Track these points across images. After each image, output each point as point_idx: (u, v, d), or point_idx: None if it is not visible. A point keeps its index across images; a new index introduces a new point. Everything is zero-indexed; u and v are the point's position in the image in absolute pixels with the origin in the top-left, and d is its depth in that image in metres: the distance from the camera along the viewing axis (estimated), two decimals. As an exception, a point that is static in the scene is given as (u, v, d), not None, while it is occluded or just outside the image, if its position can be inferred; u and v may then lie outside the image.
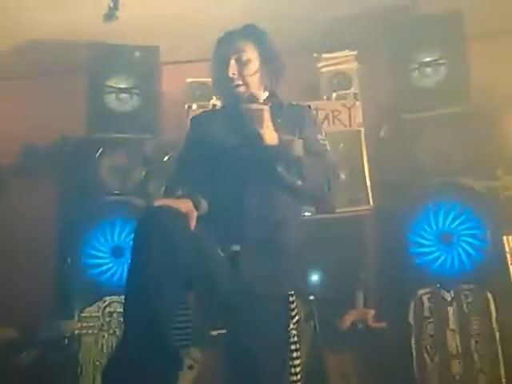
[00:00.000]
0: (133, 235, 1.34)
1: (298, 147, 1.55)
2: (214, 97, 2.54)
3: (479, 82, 2.53)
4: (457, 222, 2.40)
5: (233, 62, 1.66)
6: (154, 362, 1.25)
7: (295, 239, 1.62)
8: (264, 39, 1.72)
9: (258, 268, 1.50)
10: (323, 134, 1.74)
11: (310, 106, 1.83)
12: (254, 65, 1.68)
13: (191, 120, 1.83)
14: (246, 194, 1.57)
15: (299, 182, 1.55)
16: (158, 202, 1.39)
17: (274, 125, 1.57)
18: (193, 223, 1.39)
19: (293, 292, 1.58)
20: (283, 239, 1.58)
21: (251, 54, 1.68)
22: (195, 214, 1.42)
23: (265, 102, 1.68)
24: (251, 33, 1.72)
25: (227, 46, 1.70)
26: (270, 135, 1.54)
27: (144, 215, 1.36)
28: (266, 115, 1.54)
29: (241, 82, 1.66)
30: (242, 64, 1.66)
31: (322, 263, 2.43)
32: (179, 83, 2.73)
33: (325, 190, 1.60)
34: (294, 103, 1.80)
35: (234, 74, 1.65)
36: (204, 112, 1.93)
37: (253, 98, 1.65)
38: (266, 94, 1.73)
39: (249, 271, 1.48)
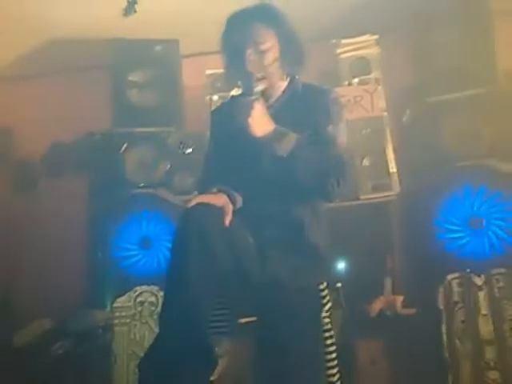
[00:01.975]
0: (172, 237, 1.37)
1: (288, 141, 1.47)
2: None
3: (504, 61, 2.47)
4: (485, 206, 2.35)
5: (249, 52, 1.53)
6: (189, 358, 1.28)
7: (319, 233, 1.58)
8: (281, 20, 1.58)
9: (286, 262, 1.49)
10: (339, 124, 1.59)
11: (329, 90, 1.64)
12: (273, 53, 1.56)
13: (211, 114, 1.78)
14: (262, 192, 1.52)
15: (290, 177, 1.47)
16: (194, 200, 1.40)
17: (276, 117, 1.50)
18: (228, 217, 1.40)
19: (323, 281, 1.57)
20: (306, 236, 1.54)
21: (269, 41, 1.55)
22: (230, 207, 1.42)
23: (281, 97, 1.61)
24: (267, 14, 1.57)
25: (241, 33, 1.55)
26: (260, 126, 1.47)
27: (180, 217, 1.38)
28: (257, 106, 1.47)
29: (260, 76, 1.54)
30: (260, 54, 1.54)
31: (349, 251, 2.42)
32: (200, 75, 2.74)
33: (329, 186, 1.48)
34: (313, 85, 1.66)
35: (252, 66, 1.53)
36: (222, 104, 1.85)
37: (270, 89, 1.57)
38: (286, 82, 1.63)
39: (277, 264, 1.48)
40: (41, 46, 2.91)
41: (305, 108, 1.59)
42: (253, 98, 1.50)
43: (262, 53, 1.54)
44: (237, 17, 1.59)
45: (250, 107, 1.48)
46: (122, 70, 2.69)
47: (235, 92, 2.55)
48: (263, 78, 1.55)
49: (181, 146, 2.52)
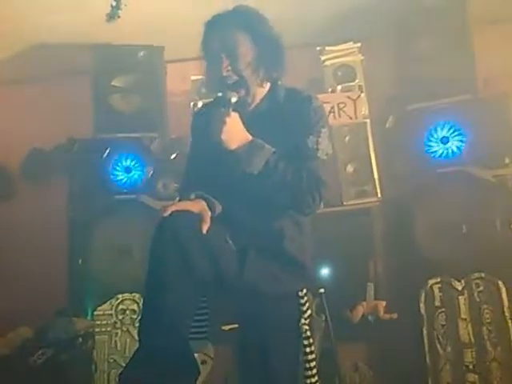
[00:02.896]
0: (150, 246, 1.37)
1: (261, 157, 1.45)
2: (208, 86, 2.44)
3: (485, 69, 2.52)
4: (466, 212, 2.38)
5: (223, 56, 1.52)
6: (171, 367, 1.28)
7: (299, 241, 1.58)
8: (258, 24, 1.57)
9: (266, 269, 1.50)
10: (320, 133, 1.56)
11: (311, 98, 1.60)
12: (248, 57, 1.54)
13: (193, 117, 1.77)
14: (239, 202, 1.52)
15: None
16: (170, 208, 1.38)
17: (254, 125, 1.49)
18: (206, 224, 1.39)
19: (303, 289, 1.58)
20: (285, 245, 1.54)
21: (244, 45, 1.54)
22: (209, 214, 1.41)
23: (261, 103, 1.59)
24: (244, 18, 1.56)
25: (217, 38, 1.54)
26: (234, 138, 1.46)
27: (157, 226, 1.37)
28: (231, 119, 1.46)
29: (236, 77, 1.53)
30: (234, 58, 1.53)
31: (332, 256, 2.44)
32: (184, 81, 2.74)
33: (304, 202, 1.47)
34: (296, 91, 1.63)
35: (227, 70, 1.52)
36: (204, 106, 1.83)
37: (248, 95, 1.55)
38: (267, 86, 1.61)
39: (257, 271, 1.48)
40: (22, 51, 2.88)
41: (285, 117, 1.57)
42: (225, 109, 1.47)
43: (237, 57, 1.53)
44: (214, 22, 1.60)
45: (223, 121, 1.45)
46: (105, 76, 2.68)
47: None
48: (239, 84, 1.54)
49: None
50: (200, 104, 2.61)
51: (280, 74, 1.62)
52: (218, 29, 1.57)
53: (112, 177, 2.53)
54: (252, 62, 1.55)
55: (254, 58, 1.55)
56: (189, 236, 1.34)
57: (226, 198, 1.51)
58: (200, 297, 1.44)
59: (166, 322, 1.29)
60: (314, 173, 1.50)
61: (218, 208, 1.49)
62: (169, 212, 1.36)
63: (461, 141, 2.45)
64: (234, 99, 1.52)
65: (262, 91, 1.62)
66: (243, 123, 1.51)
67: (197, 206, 1.42)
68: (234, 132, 1.47)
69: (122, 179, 2.55)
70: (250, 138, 1.49)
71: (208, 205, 1.44)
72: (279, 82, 1.65)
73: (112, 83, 2.68)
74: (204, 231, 1.38)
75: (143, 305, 1.38)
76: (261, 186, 1.47)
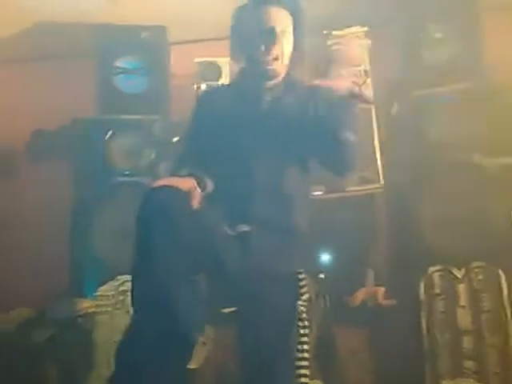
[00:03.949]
0: (136, 220, 1.34)
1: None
2: (223, 75, 2.47)
3: (492, 56, 2.48)
4: (468, 200, 2.38)
5: (278, 31, 1.52)
6: (164, 345, 1.27)
7: (304, 217, 1.60)
8: (301, 8, 1.59)
9: (267, 246, 1.49)
10: (348, 129, 1.55)
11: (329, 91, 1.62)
12: (290, 40, 1.57)
13: (199, 97, 1.79)
14: (253, 170, 1.54)
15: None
16: (158, 183, 1.37)
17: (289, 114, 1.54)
18: (195, 201, 1.37)
19: (302, 270, 1.59)
20: (292, 217, 1.56)
21: (288, 26, 1.55)
22: (198, 191, 1.40)
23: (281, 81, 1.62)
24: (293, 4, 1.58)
25: (263, 11, 1.54)
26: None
27: (143, 199, 1.34)
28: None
29: (278, 58, 1.54)
30: (284, 38, 1.54)
31: (333, 242, 2.44)
32: (187, 63, 2.71)
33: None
34: (309, 84, 1.66)
35: (276, 47, 1.52)
36: (213, 88, 1.86)
37: (276, 76, 1.58)
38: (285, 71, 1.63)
39: (257, 250, 1.48)
40: (25, 31, 2.86)
41: (304, 99, 1.58)
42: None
43: (285, 37, 1.55)
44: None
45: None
46: (108, 56, 2.65)
47: (224, 80, 2.54)
48: (277, 60, 1.55)
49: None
50: (203, 86, 2.60)
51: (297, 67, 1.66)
52: (261, 3, 1.56)
53: (114, 159, 2.52)
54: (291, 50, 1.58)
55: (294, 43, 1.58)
56: (177, 210, 1.31)
57: (236, 162, 1.53)
58: (194, 270, 1.41)
59: (155, 297, 1.26)
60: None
61: (210, 186, 1.47)
62: (156, 185, 1.34)
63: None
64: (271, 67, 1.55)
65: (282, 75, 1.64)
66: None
67: (186, 183, 1.40)
68: None
69: (123, 161, 2.55)
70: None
71: (197, 181, 1.42)
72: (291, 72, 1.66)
73: (115, 64, 2.65)
74: (194, 207, 1.36)
75: (133, 278, 1.34)
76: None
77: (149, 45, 2.68)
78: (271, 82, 1.61)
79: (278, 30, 1.54)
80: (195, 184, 1.41)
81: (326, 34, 2.69)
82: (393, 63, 2.63)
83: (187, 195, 1.37)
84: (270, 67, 1.55)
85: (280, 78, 1.62)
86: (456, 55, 2.48)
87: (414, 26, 2.57)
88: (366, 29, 2.65)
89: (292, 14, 1.57)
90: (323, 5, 2.72)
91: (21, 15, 2.73)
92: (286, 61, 1.59)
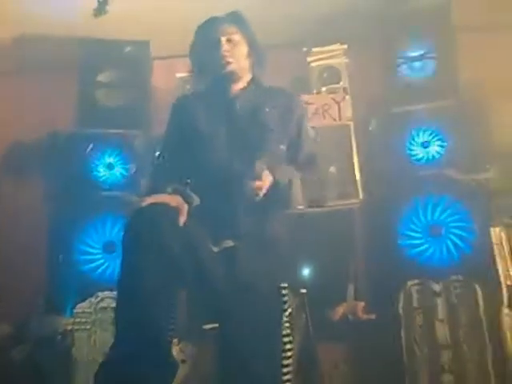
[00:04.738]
0: (122, 236, 1.35)
1: (296, 185, 1.58)
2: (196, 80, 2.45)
3: (468, 74, 2.55)
4: (445, 215, 2.43)
5: (224, 40, 1.67)
6: (148, 365, 1.27)
7: (285, 232, 1.63)
8: (248, 26, 1.74)
9: (249, 263, 1.50)
10: (310, 128, 1.79)
11: (292, 94, 1.81)
12: (244, 49, 1.70)
13: (172, 107, 1.78)
14: (232, 192, 1.55)
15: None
16: (147, 200, 1.38)
17: (262, 116, 1.61)
18: (183, 217, 1.39)
19: (285, 285, 1.59)
20: (272, 236, 1.57)
21: (240, 37, 1.70)
22: (185, 207, 1.41)
23: (248, 86, 1.71)
24: (237, 19, 1.73)
25: (216, 27, 1.69)
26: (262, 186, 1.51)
27: (132, 215, 1.36)
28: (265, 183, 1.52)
29: (232, 60, 1.66)
30: (233, 44, 1.68)
31: (313, 257, 2.45)
32: (170, 78, 2.73)
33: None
34: (277, 88, 1.78)
35: (226, 51, 1.65)
36: (184, 96, 1.85)
37: (238, 79, 1.68)
38: (250, 76, 1.74)
39: (239, 266, 1.48)
40: (5, 43, 2.84)
41: (277, 107, 1.68)
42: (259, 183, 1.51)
43: (235, 44, 1.68)
44: (212, 19, 1.73)
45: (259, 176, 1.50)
46: (91, 70, 2.66)
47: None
48: (235, 63, 1.67)
49: None
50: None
51: (262, 66, 1.75)
52: (214, 22, 1.71)
53: (94, 173, 2.51)
54: (248, 56, 1.71)
55: (248, 52, 1.71)
56: (166, 227, 1.32)
57: (211, 188, 1.54)
58: (177, 291, 1.43)
59: (140, 317, 1.27)
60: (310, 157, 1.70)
61: (196, 201, 1.49)
62: (146, 203, 1.36)
63: (441, 146, 2.49)
64: (230, 68, 1.67)
65: (246, 79, 1.74)
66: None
67: (174, 199, 1.42)
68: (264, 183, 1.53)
69: (104, 176, 2.54)
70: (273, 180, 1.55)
71: (184, 198, 1.45)
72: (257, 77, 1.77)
73: (97, 78, 2.65)
74: (181, 223, 1.37)
75: (117, 297, 1.36)
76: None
77: (131, 59, 2.70)
78: (237, 87, 1.70)
79: (223, 39, 1.67)
80: (182, 201, 1.43)
81: (305, 51, 2.75)
82: (371, 80, 2.69)
83: (175, 211, 1.38)
84: (226, 70, 1.66)
85: (244, 83, 1.71)
86: (433, 73, 2.55)
87: (391, 44, 2.64)
88: (345, 46, 2.71)
89: (241, 29, 1.71)
90: (303, 22, 2.78)
91: (2, 27, 2.71)
92: (242, 63, 1.70)
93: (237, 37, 1.69)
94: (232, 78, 1.68)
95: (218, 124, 1.63)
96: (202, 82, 1.80)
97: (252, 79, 1.74)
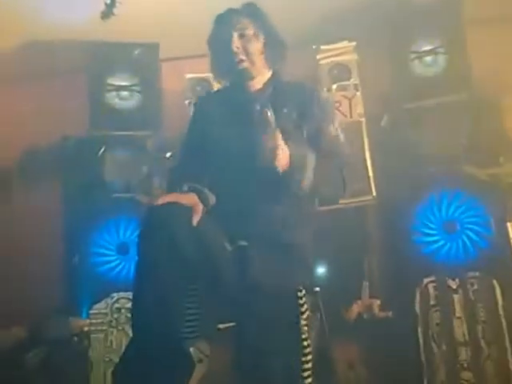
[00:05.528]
0: (137, 236, 1.36)
1: (310, 165, 1.48)
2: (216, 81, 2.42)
3: (480, 68, 2.52)
4: (460, 210, 2.40)
5: (236, 36, 1.60)
6: (164, 363, 1.27)
7: (301, 235, 1.59)
8: (266, 19, 1.66)
9: (265, 263, 1.48)
10: (336, 124, 1.66)
11: (317, 89, 1.74)
12: (259, 43, 1.63)
13: (194, 104, 1.78)
14: (249, 191, 1.53)
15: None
16: (161, 200, 1.38)
17: (280, 119, 1.49)
18: (197, 217, 1.37)
19: (301, 287, 1.57)
20: (289, 237, 1.55)
21: (252, 29, 1.62)
22: (200, 207, 1.40)
23: (266, 85, 1.65)
24: (253, 11, 1.66)
25: (229, 21, 1.63)
26: (282, 159, 1.44)
27: (146, 215, 1.36)
28: (277, 136, 1.43)
29: (244, 57, 1.60)
30: (245, 39, 1.61)
31: (327, 255, 2.44)
32: (179, 79, 2.73)
33: (337, 191, 1.59)
34: (297, 82, 1.72)
35: (237, 47, 1.59)
36: (208, 94, 1.88)
37: (255, 77, 1.62)
38: (270, 73, 1.68)
39: (256, 266, 1.47)
40: (16, 48, 2.85)
41: (295, 105, 1.61)
42: (270, 129, 1.44)
43: (248, 38, 1.61)
44: (224, 14, 1.67)
45: (275, 147, 1.42)
46: (101, 74, 2.67)
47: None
48: (247, 61, 1.60)
49: None
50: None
51: (281, 66, 1.69)
52: (228, 18, 1.64)
53: (107, 175, 2.52)
54: (262, 51, 1.63)
55: (264, 47, 1.63)
56: (180, 227, 1.32)
57: (231, 187, 1.52)
58: (192, 290, 1.42)
59: (156, 316, 1.28)
60: (343, 160, 1.61)
61: (212, 200, 1.47)
62: (160, 202, 1.36)
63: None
64: (243, 66, 1.59)
65: (266, 74, 1.68)
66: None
67: (189, 198, 1.40)
68: (283, 156, 1.44)
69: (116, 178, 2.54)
70: (288, 152, 1.46)
71: (200, 197, 1.43)
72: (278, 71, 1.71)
73: (107, 81, 2.66)
74: (194, 223, 1.36)
75: (133, 296, 1.36)
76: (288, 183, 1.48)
77: (141, 61, 2.71)
78: (254, 87, 1.65)
79: (235, 34, 1.60)
80: (197, 199, 1.41)
81: (314, 49, 2.73)
82: (382, 77, 2.67)
83: (189, 210, 1.37)
84: (238, 67, 1.59)
85: (261, 83, 1.65)
86: (444, 68, 2.52)
87: (402, 39, 2.62)
88: (354, 43, 2.69)
89: (252, 18, 1.64)
90: (312, 20, 2.77)
91: (12, 33, 2.74)
92: (256, 59, 1.62)
93: (250, 31, 1.61)
94: (247, 75, 1.63)
95: (234, 127, 1.59)
96: (221, 77, 1.75)
97: (271, 77, 1.67)
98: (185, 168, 1.68)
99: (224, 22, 1.64)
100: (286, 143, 1.45)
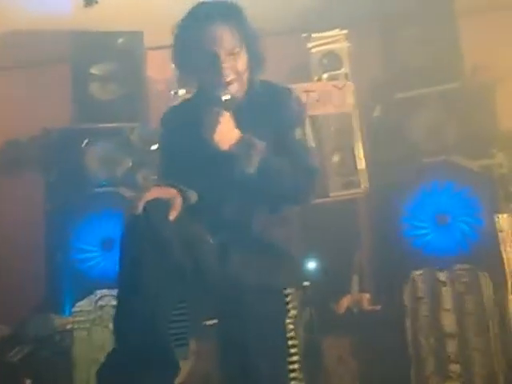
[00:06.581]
0: (120, 236, 1.34)
1: (256, 154, 1.39)
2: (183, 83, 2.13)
3: (471, 57, 2.50)
4: (451, 202, 2.38)
5: (223, 54, 1.45)
6: (150, 363, 1.26)
7: (286, 234, 1.54)
8: (243, 19, 1.51)
9: (245, 258, 1.45)
10: (304, 125, 1.56)
11: (289, 89, 1.59)
12: (244, 57, 1.49)
13: (168, 111, 1.69)
14: (222, 202, 1.48)
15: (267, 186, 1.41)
16: (142, 198, 1.34)
17: (240, 122, 1.43)
18: (175, 211, 1.34)
19: (287, 285, 1.54)
20: (270, 241, 1.50)
21: (237, 43, 1.47)
22: (179, 200, 1.36)
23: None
24: (231, 13, 1.49)
25: (205, 30, 1.46)
26: (226, 138, 1.40)
27: (128, 214, 1.34)
28: (224, 118, 1.40)
29: (230, 80, 1.46)
30: (231, 57, 1.46)
31: (317, 249, 2.41)
32: (164, 68, 2.66)
33: (301, 195, 1.49)
34: (271, 84, 1.58)
35: (227, 68, 1.45)
36: (172, 110, 1.71)
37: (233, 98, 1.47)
38: (245, 87, 1.54)
39: (236, 261, 1.44)
40: (-2, 39, 2.79)
41: (266, 109, 1.51)
42: (218, 108, 1.41)
43: (234, 56, 1.47)
44: (198, 12, 1.50)
45: (217, 121, 1.39)
46: (84, 63, 2.60)
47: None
48: (237, 82, 1.48)
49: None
50: (180, 92, 2.54)
51: (260, 69, 1.56)
52: (203, 20, 1.47)
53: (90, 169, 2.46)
54: (248, 66, 1.50)
55: (248, 58, 1.50)
56: (163, 224, 1.30)
57: (208, 191, 1.46)
58: (178, 290, 1.39)
59: (141, 314, 1.26)
60: (307, 162, 1.49)
61: (193, 197, 1.43)
62: (141, 207, 1.31)
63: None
64: (225, 97, 1.44)
65: (245, 87, 1.55)
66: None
67: (167, 191, 1.37)
68: (226, 131, 1.41)
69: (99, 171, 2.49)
70: (240, 135, 1.42)
71: (180, 192, 1.39)
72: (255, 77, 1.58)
73: (91, 71, 2.60)
74: (172, 218, 1.32)
75: (117, 298, 1.35)
76: (256, 186, 1.42)
77: (125, 51, 2.65)
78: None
79: (223, 53, 1.45)
80: (177, 193, 1.38)
81: (305, 37, 2.68)
82: (373, 66, 2.63)
83: (168, 204, 1.34)
84: (226, 95, 1.44)
85: (241, 96, 1.52)
86: (437, 57, 2.48)
87: (393, 28, 2.57)
88: (345, 31, 2.64)
89: (238, 30, 1.49)
90: (302, 7, 2.71)
91: (-7, 23, 2.66)
92: (244, 78, 1.50)
93: (236, 45, 1.46)
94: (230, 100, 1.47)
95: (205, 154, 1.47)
96: (189, 85, 1.66)
97: (249, 87, 1.55)
98: (167, 172, 1.63)
99: (201, 30, 1.46)
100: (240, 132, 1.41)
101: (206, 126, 1.41)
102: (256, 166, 1.39)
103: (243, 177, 1.41)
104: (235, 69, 1.47)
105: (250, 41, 1.51)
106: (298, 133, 1.52)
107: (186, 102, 1.75)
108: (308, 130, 1.57)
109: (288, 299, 1.53)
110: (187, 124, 1.52)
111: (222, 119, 1.41)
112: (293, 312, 1.55)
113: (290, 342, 1.51)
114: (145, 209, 1.32)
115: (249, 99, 1.55)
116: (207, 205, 1.46)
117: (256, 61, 1.54)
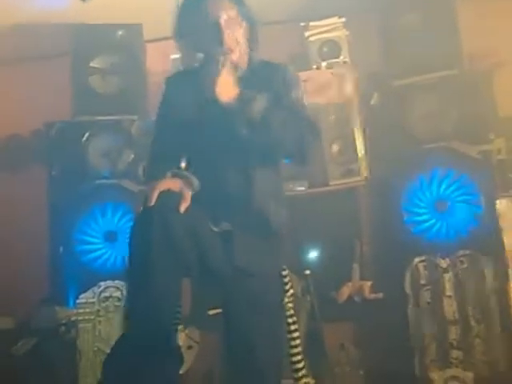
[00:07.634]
0: (130, 230, 1.34)
1: (260, 101, 1.42)
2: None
3: (470, 45, 2.48)
4: (451, 189, 2.38)
5: (223, 22, 1.50)
6: (156, 354, 1.27)
7: (282, 215, 1.56)
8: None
9: (248, 245, 1.46)
10: (300, 90, 1.61)
11: (286, 66, 1.64)
12: (243, 29, 1.55)
13: (165, 83, 1.67)
14: (224, 172, 1.50)
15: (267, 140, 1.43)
16: (155, 190, 1.35)
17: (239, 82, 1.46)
18: (185, 203, 1.35)
19: (284, 267, 1.57)
20: (270, 217, 1.51)
21: (237, 14, 1.54)
22: (189, 192, 1.38)
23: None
24: None
25: (205, 3, 1.51)
26: (226, 91, 1.43)
27: (143, 208, 1.34)
28: (224, 73, 1.44)
29: (234, 47, 1.51)
30: (233, 26, 1.52)
31: (317, 237, 2.43)
32: (164, 60, 2.66)
33: (305, 147, 1.49)
34: (269, 62, 1.63)
35: (228, 36, 1.49)
36: (175, 75, 1.71)
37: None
38: (246, 59, 1.58)
39: (239, 248, 1.45)
40: (-3, 33, 2.78)
41: (265, 78, 1.56)
42: (219, 65, 1.45)
43: (235, 26, 1.53)
44: None
45: (218, 71, 1.43)
46: (83, 57, 2.59)
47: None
48: (236, 51, 1.52)
49: None
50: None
51: (256, 48, 1.62)
52: None
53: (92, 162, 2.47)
54: (245, 38, 1.55)
55: (245, 32, 1.56)
56: (175, 217, 1.31)
57: (209, 151, 1.49)
58: (182, 277, 1.40)
59: (151, 307, 1.27)
60: (308, 118, 1.54)
61: (196, 184, 1.44)
62: (155, 198, 1.33)
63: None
64: (222, 58, 1.48)
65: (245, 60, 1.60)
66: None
67: (176, 184, 1.38)
68: (227, 85, 1.44)
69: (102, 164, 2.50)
70: (239, 90, 1.45)
71: (186, 183, 1.40)
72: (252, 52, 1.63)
73: (91, 64, 2.60)
74: (182, 210, 1.34)
75: (127, 290, 1.40)
76: (264, 134, 1.43)
77: (124, 43, 2.63)
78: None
79: (223, 20, 1.51)
80: (183, 185, 1.39)
81: (303, 26, 2.67)
82: (372, 54, 2.61)
83: (179, 196, 1.35)
84: (227, 61, 1.48)
85: (243, 67, 1.57)
86: (434, 44, 2.46)
87: (392, 15, 2.55)
88: (343, 20, 2.62)
89: (236, 2, 1.55)
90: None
91: (-8, 17, 2.65)
92: (244, 47, 1.56)
93: (236, 17, 1.53)
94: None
95: (205, 108, 1.51)
96: (193, 60, 1.63)
97: (248, 63, 1.59)
98: (163, 151, 1.60)
99: (202, 3, 1.52)
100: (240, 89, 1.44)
101: (206, 77, 1.45)
102: (259, 115, 1.41)
103: (246, 128, 1.42)
104: (235, 38, 1.52)
105: (248, 15, 1.57)
106: (294, 94, 1.58)
107: (188, 68, 1.74)
108: (304, 96, 1.63)
109: (286, 280, 1.56)
110: (189, 82, 1.56)
111: (222, 71, 1.44)
112: (291, 292, 1.56)
113: (290, 320, 1.53)
114: (161, 201, 1.32)
115: (249, 70, 1.58)
116: (207, 174, 1.46)
117: (254, 35, 1.59)
